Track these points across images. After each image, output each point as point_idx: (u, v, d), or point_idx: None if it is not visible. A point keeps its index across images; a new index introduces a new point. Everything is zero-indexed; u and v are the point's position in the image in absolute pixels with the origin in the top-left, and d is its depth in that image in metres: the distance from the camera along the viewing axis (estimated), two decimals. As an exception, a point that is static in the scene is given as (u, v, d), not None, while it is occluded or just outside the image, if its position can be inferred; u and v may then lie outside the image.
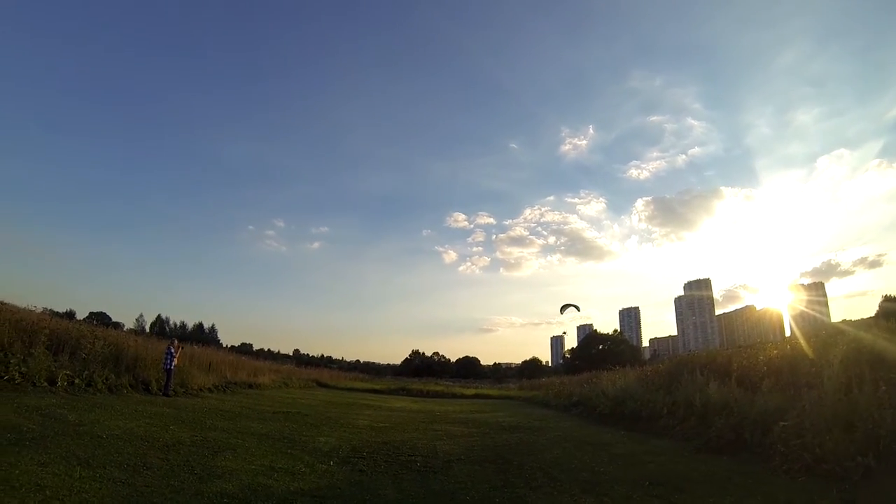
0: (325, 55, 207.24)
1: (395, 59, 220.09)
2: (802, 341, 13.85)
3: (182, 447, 8.63)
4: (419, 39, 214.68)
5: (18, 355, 13.26)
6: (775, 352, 14.64)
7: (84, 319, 40.30)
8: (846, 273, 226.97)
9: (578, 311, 35.04)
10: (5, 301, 17.48)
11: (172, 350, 18.55)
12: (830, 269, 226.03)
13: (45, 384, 12.99)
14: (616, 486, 7.59)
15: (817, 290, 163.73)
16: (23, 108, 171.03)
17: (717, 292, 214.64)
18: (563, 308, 34.59)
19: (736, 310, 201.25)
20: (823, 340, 13.17)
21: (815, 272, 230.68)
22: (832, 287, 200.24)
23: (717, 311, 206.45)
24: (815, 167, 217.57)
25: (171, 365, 18.17)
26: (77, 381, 14.04)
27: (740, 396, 11.92)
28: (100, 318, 55.31)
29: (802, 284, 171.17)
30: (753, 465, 8.89)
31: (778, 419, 9.66)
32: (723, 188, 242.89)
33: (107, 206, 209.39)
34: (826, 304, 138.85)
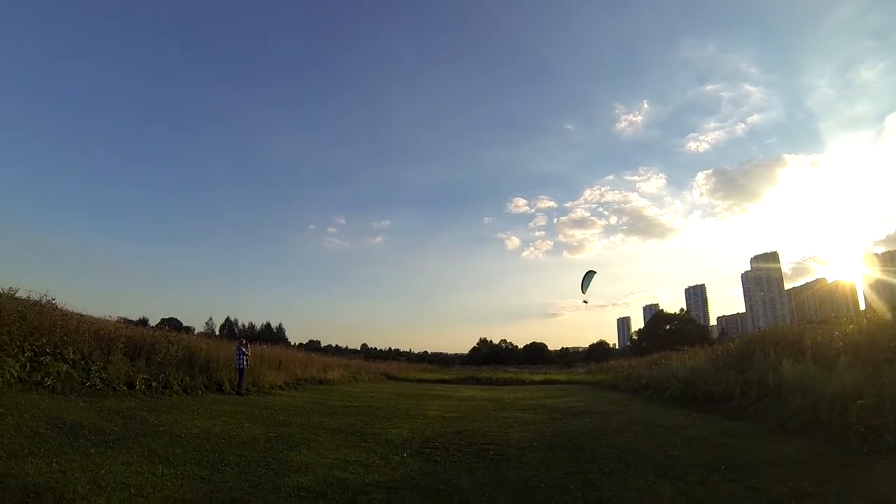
0: (373, 49, 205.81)
1: (442, 47, 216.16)
2: (880, 314, 13.13)
3: (258, 444, 8.97)
4: (464, 24, 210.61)
5: (98, 362, 14.03)
6: (851, 326, 13.93)
7: (157, 325, 42.36)
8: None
9: (595, 273, 32.63)
10: (83, 312, 18.52)
11: (243, 349, 19.25)
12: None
13: (125, 388, 13.72)
14: (690, 470, 7.42)
15: (893, 258, 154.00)
16: (90, 126, 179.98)
17: (785, 266, 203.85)
18: (584, 283, 31.80)
19: (806, 283, 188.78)
20: (903, 312, 12.45)
21: (890, 240, 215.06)
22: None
23: (787, 286, 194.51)
24: (883, 126, 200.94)
25: (243, 364, 18.89)
26: (154, 384, 14.81)
27: (815, 374, 11.42)
28: (171, 324, 57.95)
29: (877, 254, 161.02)
30: (831, 446, 8.50)
31: (856, 398, 9.20)
32: (786, 155, 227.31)
33: (172, 216, 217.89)
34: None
